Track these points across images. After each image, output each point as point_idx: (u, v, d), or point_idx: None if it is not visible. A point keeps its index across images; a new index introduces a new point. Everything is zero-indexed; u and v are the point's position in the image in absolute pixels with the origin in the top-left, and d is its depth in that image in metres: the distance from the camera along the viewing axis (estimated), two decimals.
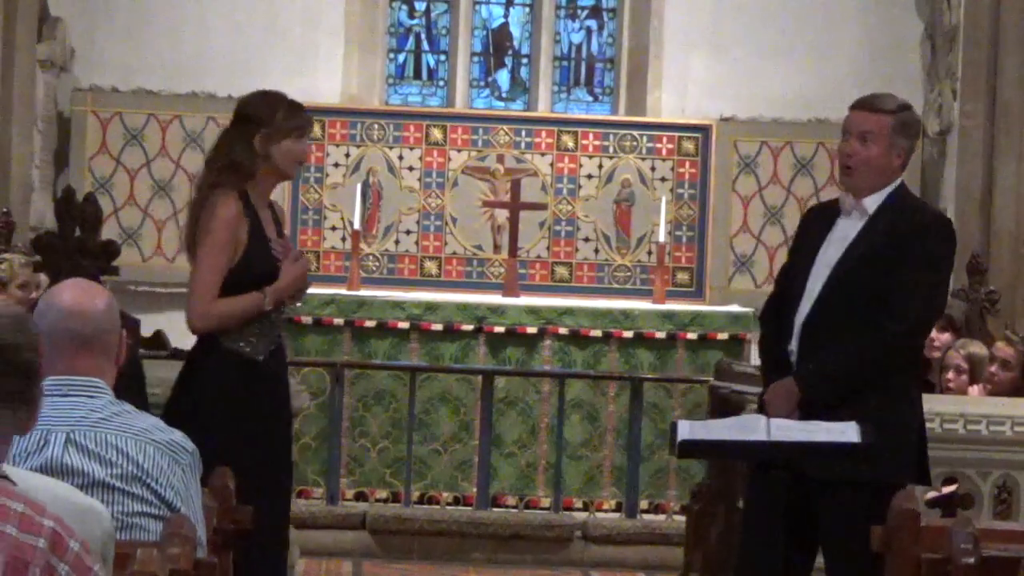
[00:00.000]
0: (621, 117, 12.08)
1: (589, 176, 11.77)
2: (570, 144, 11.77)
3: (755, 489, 5.33)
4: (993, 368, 7.64)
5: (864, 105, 5.16)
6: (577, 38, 12.49)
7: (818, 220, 5.29)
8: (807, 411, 5.02)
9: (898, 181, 5.17)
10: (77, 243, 9.17)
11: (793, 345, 5.09)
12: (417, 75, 12.42)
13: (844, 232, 5.13)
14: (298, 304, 5.71)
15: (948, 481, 6.94)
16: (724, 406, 7.28)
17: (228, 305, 5.34)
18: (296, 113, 5.44)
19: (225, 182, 5.34)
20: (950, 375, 7.63)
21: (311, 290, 10.53)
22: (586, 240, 11.78)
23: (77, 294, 3.64)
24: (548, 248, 11.74)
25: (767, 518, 5.14)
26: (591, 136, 11.81)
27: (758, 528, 5.21)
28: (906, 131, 5.16)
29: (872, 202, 5.12)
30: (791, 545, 5.11)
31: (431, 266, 11.67)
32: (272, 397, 5.45)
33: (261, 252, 5.40)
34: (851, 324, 5.02)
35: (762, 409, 5.16)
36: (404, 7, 12.40)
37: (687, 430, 4.99)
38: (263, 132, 5.34)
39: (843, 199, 5.19)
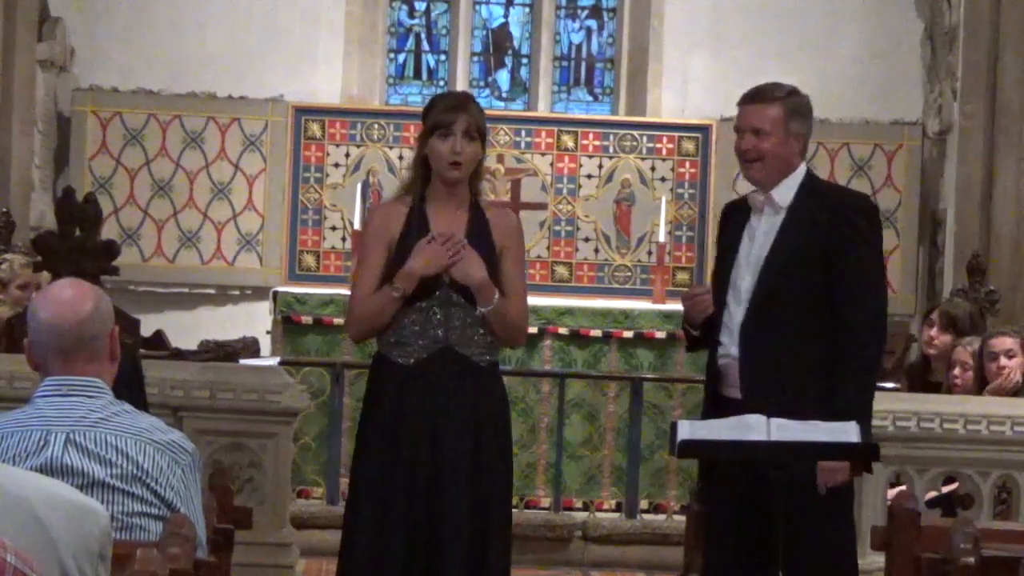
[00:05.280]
0: (621, 117, 12.07)
1: (589, 176, 11.76)
2: (570, 144, 11.77)
3: (707, 498, 5.31)
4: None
5: (752, 98, 5.11)
6: (577, 38, 12.49)
7: (733, 218, 5.21)
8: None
9: (803, 168, 5.12)
10: (77, 243, 9.16)
11: (733, 349, 5.05)
12: (417, 75, 12.42)
13: (763, 229, 5.08)
14: (486, 309, 5.13)
15: (948, 481, 6.95)
16: None
17: (363, 306, 5.17)
18: (433, 109, 5.23)
19: (406, 188, 5.27)
20: (956, 371, 7.62)
21: (311, 290, 10.67)
22: (586, 240, 11.78)
23: (64, 298, 3.61)
24: (548, 248, 11.74)
25: (722, 525, 5.13)
26: (591, 136, 11.80)
27: (717, 537, 5.20)
28: (798, 116, 5.11)
29: (783, 195, 5.06)
30: (750, 548, 5.09)
31: None
32: (420, 402, 5.14)
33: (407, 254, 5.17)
34: (791, 325, 4.98)
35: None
36: (404, 7, 12.39)
37: (687, 430, 4.98)
38: (422, 134, 5.22)
39: (752, 197, 5.13)
